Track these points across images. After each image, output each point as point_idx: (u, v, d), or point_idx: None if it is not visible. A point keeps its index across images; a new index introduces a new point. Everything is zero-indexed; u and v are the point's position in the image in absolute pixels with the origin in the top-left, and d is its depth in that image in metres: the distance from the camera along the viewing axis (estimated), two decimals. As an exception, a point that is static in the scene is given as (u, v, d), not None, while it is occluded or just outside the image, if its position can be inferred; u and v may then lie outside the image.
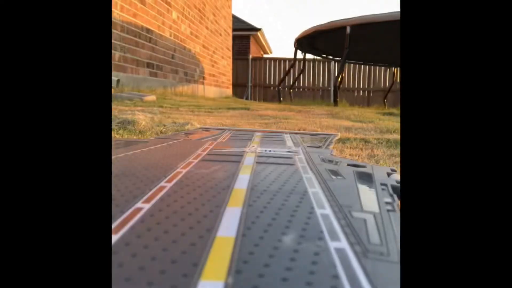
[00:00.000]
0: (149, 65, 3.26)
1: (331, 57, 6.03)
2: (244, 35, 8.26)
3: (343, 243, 0.27)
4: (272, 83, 7.86)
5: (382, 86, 7.62)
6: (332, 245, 0.26)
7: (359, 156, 1.13)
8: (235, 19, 8.11)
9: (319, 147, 0.80)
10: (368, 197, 0.38)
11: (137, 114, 1.43)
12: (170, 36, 3.71)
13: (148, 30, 3.19)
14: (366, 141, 1.39)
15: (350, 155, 1.14)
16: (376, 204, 0.36)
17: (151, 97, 2.49)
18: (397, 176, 0.50)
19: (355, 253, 0.25)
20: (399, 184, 0.45)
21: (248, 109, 2.76)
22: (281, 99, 5.66)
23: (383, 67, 7.42)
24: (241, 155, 0.59)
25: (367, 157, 1.13)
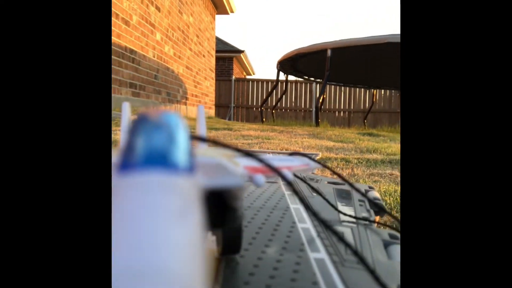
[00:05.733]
0: (131, 85, 3.27)
1: (312, 78, 6.14)
2: (227, 56, 8.36)
3: (322, 254, 0.28)
4: (255, 104, 7.93)
5: (362, 107, 7.77)
6: (312, 255, 0.28)
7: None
8: (219, 41, 8.21)
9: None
10: (347, 212, 0.40)
11: (119, 134, 1.44)
12: (154, 56, 3.74)
13: (131, 51, 3.21)
14: (346, 161, 1.42)
15: (331, 174, 1.17)
16: (354, 219, 0.38)
17: (134, 117, 2.49)
18: (374, 193, 0.52)
19: (333, 262, 0.27)
20: (376, 200, 0.47)
21: (230, 129, 2.78)
22: (264, 119, 5.71)
23: (362, 89, 7.58)
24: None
25: (348, 176, 1.16)
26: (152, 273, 0.09)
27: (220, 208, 0.21)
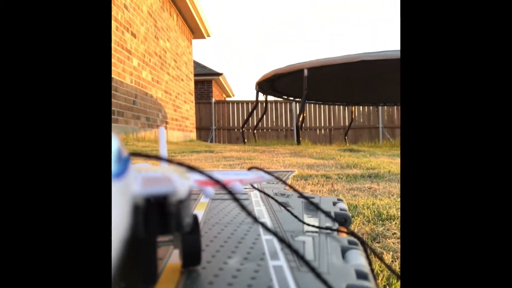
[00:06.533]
0: (110, 112, 3.26)
1: (291, 98, 6.23)
2: (206, 79, 8.43)
3: (281, 261, 0.30)
4: (236, 125, 7.98)
5: (342, 124, 7.89)
6: (272, 263, 0.29)
7: (320, 191, 1.17)
8: (197, 65, 8.29)
9: (275, 183, 0.84)
10: (311, 223, 0.42)
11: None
12: (131, 82, 3.75)
13: (109, 78, 3.21)
14: (327, 177, 1.45)
15: (311, 191, 1.18)
16: (317, 229, 0.40)
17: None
18: (342, 204, 0.54)
19: (291, 268, 0.28)
20: (342, 211, 0.49)
21: (212, 151, 2.79)
22: (246, 140, 5.74)
23: (341, 106, 7.72)
24: (198, 193, 0.62)
25: (328, 191, 1.18)
26: None
27: (167, 215, 0.22)
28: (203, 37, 7.00)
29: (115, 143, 0.17)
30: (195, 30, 6.64)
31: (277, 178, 0.31)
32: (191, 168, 0.21)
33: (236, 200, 0.21)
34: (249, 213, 0.22)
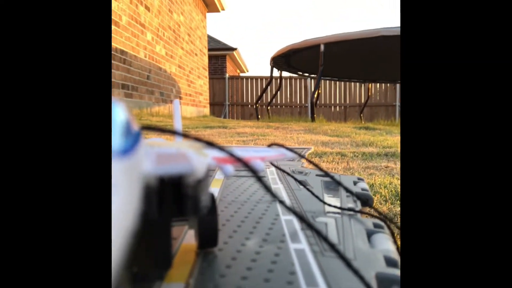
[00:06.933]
0: (124, 86, 3.25)
1: (307, 74, 6.14)
2: (220, 54, 8.34)
3: (303, 244, 0.28)
4: (249, 101, 7.93)
5: (357, 102, 7.77)
6: (292, 246, 0.28)
7: (335, 169, 1.15)
8: (211, 39, 8.20)
9: (291, 160, 0.82)
10: (333, 203, 0.40)
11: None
12: (145, 57, 3.72)
13: (122, 52, 3.19)
14: (342, 155, 1.42)
15: (327, 168, 1.16)
16: (339, 210, 0.38)
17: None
18: (363, 184, 0.52)
19: (313, 252, 0.26)
20: (363, 191, 0.47)
21: (225, 127, 2.77)
22: (259, 116, 5.70)
23: (358, 83, 7.59)
24: (213, 169, 0.60)
25: (343, 169, 1.16)
26: None
27: (184, 195, 0.20)
28: (218, 11, 6.88)
29: (122, 115, 0.15)
30: (209, 4, 6.53)
31: (300, 155, 0.28)
32: (210, 144, 0.19)
33: (260, 180, 0.19)
34: (274, 196, 0.20)
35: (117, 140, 0.13)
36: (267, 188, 0.19)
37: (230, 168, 0.20)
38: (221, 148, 0.19)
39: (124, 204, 0.11)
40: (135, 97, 3.49)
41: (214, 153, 0.21)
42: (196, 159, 0.19)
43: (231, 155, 0.19)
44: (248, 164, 0.19)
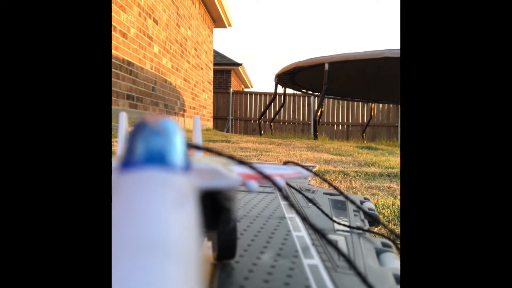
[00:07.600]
0: (129, 97, 3.28)
1: (310, 92, 6.18)
2: (225, 69, 8.41)
3: (316, 260, 0.29)
4: (253, 116, 7.96)
5: (360, 121, 7.80)
6: (306, 262, 0.29)
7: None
8: (217, 54, 8.28)
9: (310, 179, 0.83)
10: (341, 222, 0.41)
11: (117, 146, 1.44)
12: (151, 69, 3.76)
13: (129, 63, 3.23)
14: (345, 174, 1.43)
15: (328, 186, 1.17)
16: (348, 228, 0.39)
17: (131, 129, 2.50)
18: (369, 204, 0.53)
19: (326, 268, 0.28)
20: (370, 211, 0.48)
21: (229, 141, 2.79)
22: (262, 132, 5.72)
23: (360, 103, 7.63)
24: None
25: (346, 189, 1.17)
26: (150, 245, 0.10)
27: (215, 209, 0.22)
28: (225, 27, 6.97)
29: (182, 133, 0.16)
30: (216, 19, 6.62)
31: (315, 174, 0.30)
32: (241, 162, 0.20)
33: (285, 197, 0.20)
34: (299, 213, 0.21)
35: (181, 158, 0.15)
36: (293, 206, 0.20)
37: (254, 184, 0.21)
38: (249, 165, 0.20)
39: (193, 217, 0.13)
40: (139, 108, 3.51)
41: (239, 169, 0.23)
42: (227, 175, 0.20)
43: (260, 172, 0.20)
44: (274, 181, 0.20)
